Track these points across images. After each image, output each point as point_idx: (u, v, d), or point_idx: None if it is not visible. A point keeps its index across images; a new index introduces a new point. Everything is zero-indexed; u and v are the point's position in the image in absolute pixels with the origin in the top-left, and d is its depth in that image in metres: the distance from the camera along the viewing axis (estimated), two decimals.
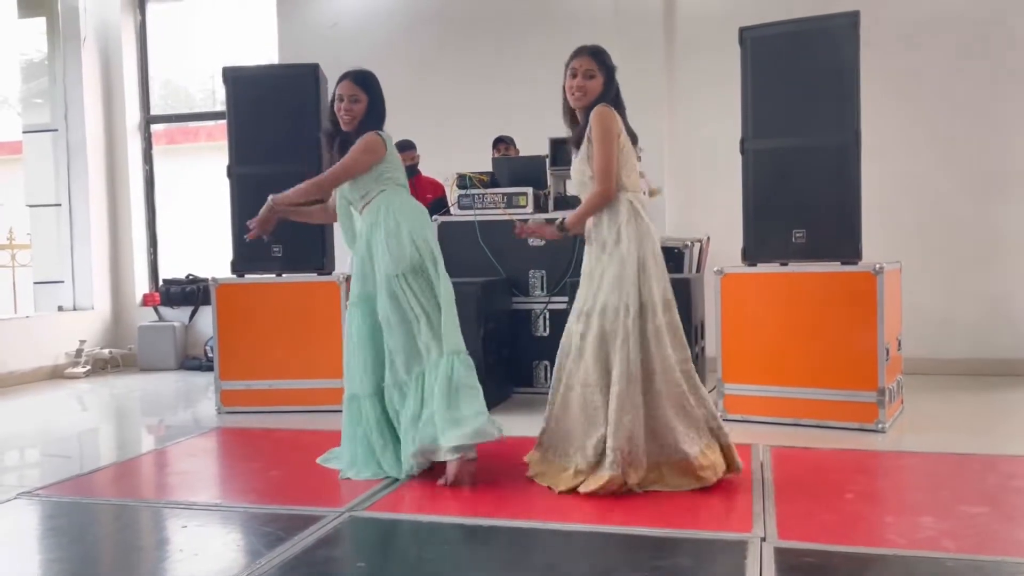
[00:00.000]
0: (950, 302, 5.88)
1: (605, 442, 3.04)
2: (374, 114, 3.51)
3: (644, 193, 3.45)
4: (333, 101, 3.51)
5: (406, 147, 6.03)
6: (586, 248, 3.31)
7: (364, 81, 3.51)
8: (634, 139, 3.31)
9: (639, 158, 5.34)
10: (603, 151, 3.16)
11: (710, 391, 4.77)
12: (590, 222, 3.28)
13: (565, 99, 3.28)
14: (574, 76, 3.19)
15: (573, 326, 3.26)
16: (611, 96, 3.23)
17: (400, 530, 2.85)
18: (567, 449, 3.20)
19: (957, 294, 5.89)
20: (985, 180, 5.86)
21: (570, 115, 3.33)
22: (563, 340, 3.31)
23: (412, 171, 5.99)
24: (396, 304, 3.35)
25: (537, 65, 6.51)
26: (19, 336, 6.78)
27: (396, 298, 3.35)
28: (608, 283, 3.15)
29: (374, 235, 3.43)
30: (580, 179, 3.29)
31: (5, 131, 10.88)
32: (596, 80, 3.19)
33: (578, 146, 3.26)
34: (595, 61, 3.19)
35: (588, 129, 3.19)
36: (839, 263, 4.22)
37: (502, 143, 6.15)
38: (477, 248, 5.27)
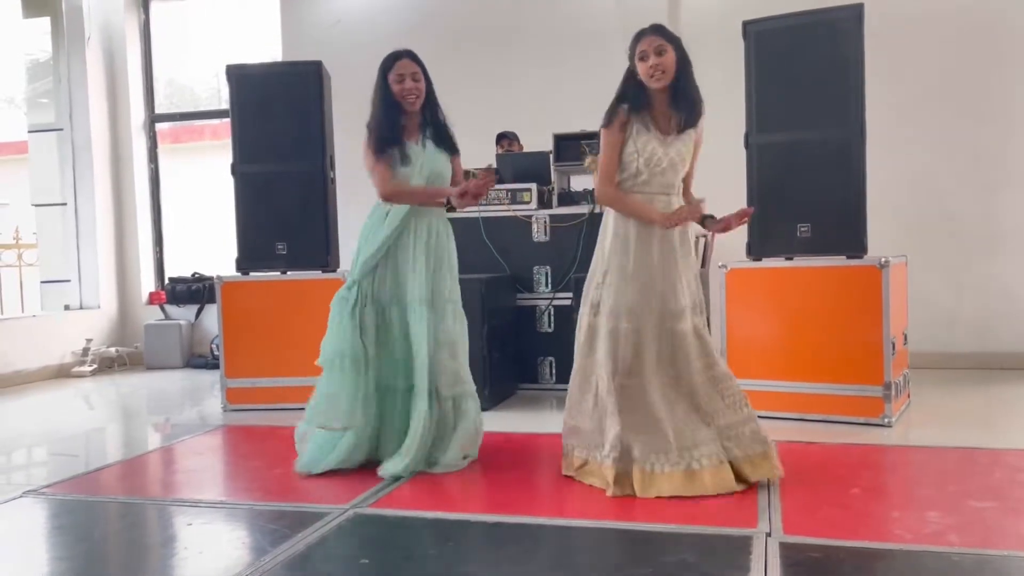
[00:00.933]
0: (956, 296, 5.86)
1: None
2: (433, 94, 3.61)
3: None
4: (384, 78, 3.51)
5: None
6: (660, 243, 3.17)
7: (420, 60, 3.59)
8: None
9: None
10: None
11: None
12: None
13: (631, 85, 3.17)
14: (645, 59, 3.11)
15: (684, 325, 3.17)
16: (690, 69, 3.19)
17: (404, 526, 2.84)
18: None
19: (963, 288, 5.86)
20: (992, 173, 5.84)
21: (646, 99, 3.18)
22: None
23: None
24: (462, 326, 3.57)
25: (541, 61, 6.51)
26: (26, 335, 6.80)
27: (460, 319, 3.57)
28: (694, 281, 3.23)
29: (444, 248, 3.54)
30: (674, 166, 3.21)
31: (11, 131, 10.91)
32: (669, 54, 3.11)
33: (680, 130, 3.20)
34: (662, 36, 3.13)
35: (699, 128, 3.25)
36: (844, 257, 4.20)
37: (505, 139, 6.16)
38: (481, 244, 5.26)
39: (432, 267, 3.47)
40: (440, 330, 3.43)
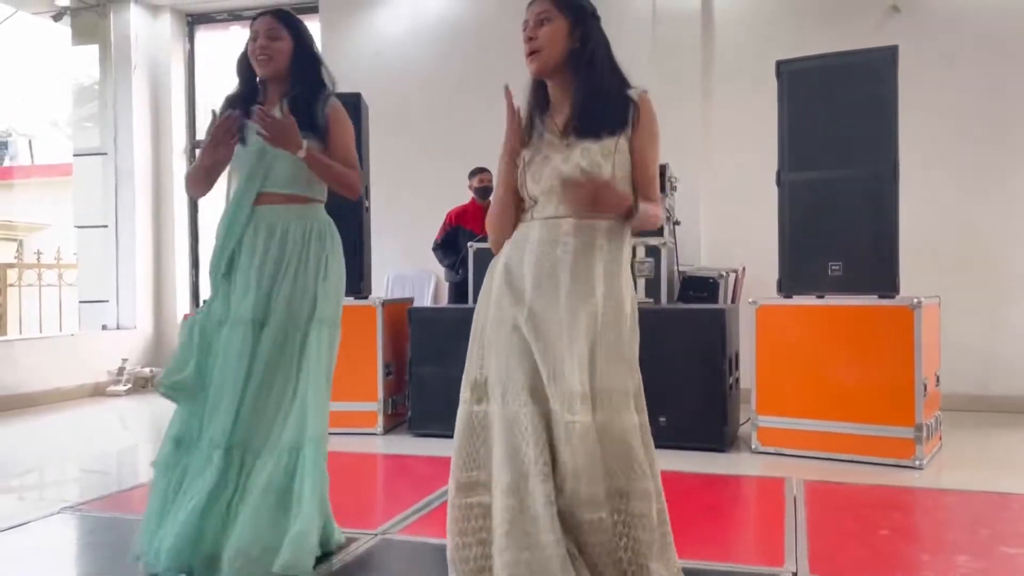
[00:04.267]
0: (992, 338, 5.79)
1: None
2: (305, 60, 2.73)
3: None
4: (245, 47, 2.72)
5: (479, 171, 6.15)
6: (540, 281, 2.04)
7: (289, 18, 2.74)
8: None
9: (674, 187, 5.40)
10: (657, 157, 2.16)
11: (743, 423, 4.80)
12: (569, 245, 2.05)
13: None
14: (525, 29, 2.13)
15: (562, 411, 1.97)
16: (599, 58, 2.13)
17: (432, 553, 2.86)
18: None
19: (999, 330, 5.80)
20: None
21: (541, 89, 2.19)
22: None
23: (487, 193, 6.09)
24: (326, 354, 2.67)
25: None
26: (64, 353, 6.94)
27: (329, 345, 2.69)
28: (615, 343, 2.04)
29: (310, 255, 2.67)
30: (584, 174, 2.04)
31: (55, 153, 11.21)
32: (557, 24, 2.09)
33: (589, 128, 2.08)
34: (551, 1, 2.11)
35: (629, 115, 2.10)
36: (876, 296, 4.19)
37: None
38: None
39: (267, 278, 2.63)
40: (256, 361, 2.60)
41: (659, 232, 5.09)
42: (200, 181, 2.75)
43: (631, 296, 2.11)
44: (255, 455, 2.56)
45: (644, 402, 2.07)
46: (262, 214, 2.67)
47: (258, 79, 2.75)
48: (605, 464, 1.95)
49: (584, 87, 2.11)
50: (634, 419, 2.01)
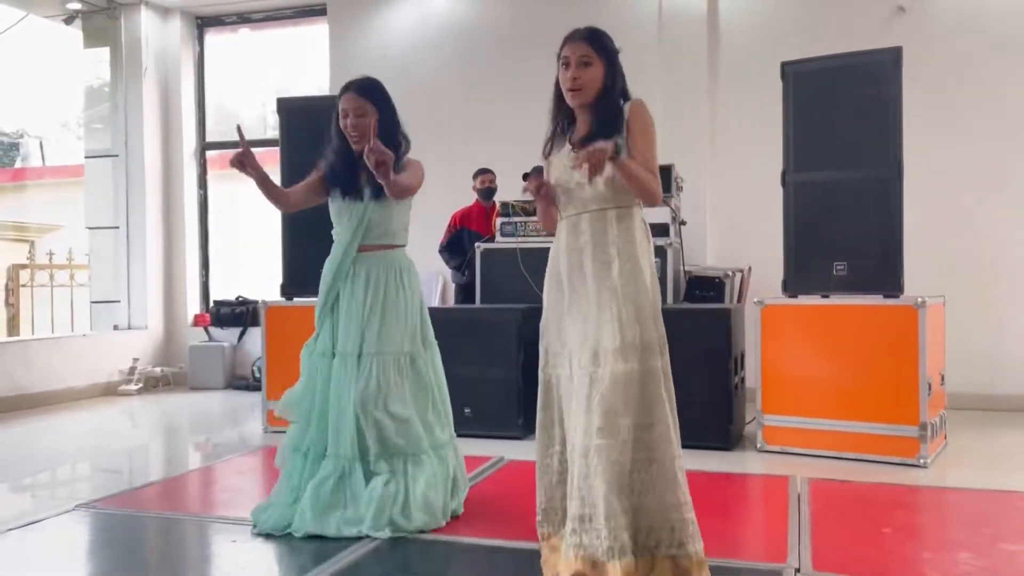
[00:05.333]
0: (998, 338, 5.81)
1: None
2: (389, 127, 3.13)
3: None
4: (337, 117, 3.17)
5: (482, 172, 6.21)
6: (568, 264, 2.54)
7: (371, 91, 3.16)
8: None
9: (680, 188, 5.44)
10: (653, 145, 2.52)
11: (749, 422, 4.82)
12: (587, 231, 2.51)
13: (557, 95, 2.60)
14: (567, 66, 2.52)
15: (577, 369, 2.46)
16: (619, 89, 2.56)
17: (440, 551, 2.91)
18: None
19: (1006, 330, 5.82)
20: None
21: (566, 113, 2.62)
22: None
23: (490, 194, 6.14)
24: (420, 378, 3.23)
25: None
26: (76, 353, 7.02)
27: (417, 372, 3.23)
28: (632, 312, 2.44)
29: (390, 290, 3.16)
30: (582, 184, 2.48)
31: (66, 155, 11.29)
32: (596, 69, 2.51)
33: (595, 138, 2.43)
34: (591, 45, 2.52)
35: (622, 119, 2.50)
36: (881, 296, 4.22)
37: (531, 176, 6.22)
38: (519, 275, 5.35)
39: (366, 316, 3.12)
40: (368, 385, 3.06)
41: (665, 232, 5.13)
42: (273, 201, 3.23)
43: (650, 263, 2.52)
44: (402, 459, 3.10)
45: (667, 348, 2.47)
46: (360, 260, 3.18)
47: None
48: (634, 403, 2.37)
49: (601, 115, 2.52)
50: (659, 364, 2.43)
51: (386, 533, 2.92)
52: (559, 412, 2.54)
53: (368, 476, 3.05)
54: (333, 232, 3.25)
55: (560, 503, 2.54)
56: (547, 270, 2.63)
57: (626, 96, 2.57)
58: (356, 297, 3.14)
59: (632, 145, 2.46)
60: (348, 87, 3.16)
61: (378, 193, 3.11)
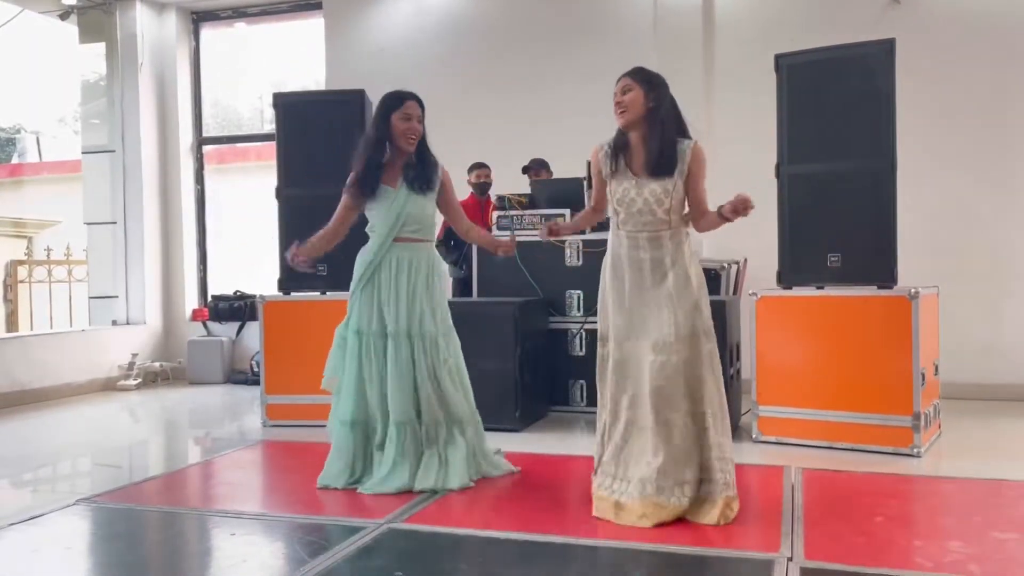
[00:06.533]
0: (993, 327, 5.84)
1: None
2: (426, 139, 3.74)
3: None
4: (387, 115, 3.62)
5: (477, 166, 6.24)
6: (630, 270, 3.19)
7: (423, 105, 3.73)
8: None
9: None
10: (704, 188, 3.21)
11: (744, 413, 4.86)
12: (647, 247, 3.17)
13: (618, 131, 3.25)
14: (615, 98, 3.20)
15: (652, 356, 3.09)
16: (666, 113, 3.15)
17: (437, 542, 2.94)
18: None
19: (999, 319, 5.85)
20: None
21: (624, 141, 3.24)
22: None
23: (485, 189, 6.20)
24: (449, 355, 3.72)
25: (575, 93, 6.63)
26: (75, 349, 7.05)
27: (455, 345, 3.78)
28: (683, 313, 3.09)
29: (419, 282, 3.64)
30: (650, 207, 3.14)
31: (66, 151, 11.29)
32: (634, 94, 3.14)
33: (655, 173, 3.12)
34: (631, 78, 3.18)
35: (684, 162, 3.12)
36: (875, 287, 4.25)
37: (531, 170, 6.25)
38: (515, 269, 5.38)
39: (408, 300, 3.59)
40: (423, 362, 3.58)
41: None
42: (331, 247, 3.85)
43: (697, 271, 3.17)
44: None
45: (713, 333, 3.13)
46: (395, 249, 3.63)
47: (389, 143, 3.66)
48: (684, 387, 3.06)
49: (655, 142, 3.13)
50: (706, 348, 3.09)
51: (469, 483, 3.55)
52: (615, 385, 3.17)
53: (431, 440, 3.59)
54: (368, 229, 3.68)
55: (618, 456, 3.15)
56: (607, 262, 3.26)
57: (684, 132, 3.18)
58: (400, 282, 3.59)
59: (694, 185, 3.15)
60: (411, 95, 3.67)
61: (413, 187, 3.61)
